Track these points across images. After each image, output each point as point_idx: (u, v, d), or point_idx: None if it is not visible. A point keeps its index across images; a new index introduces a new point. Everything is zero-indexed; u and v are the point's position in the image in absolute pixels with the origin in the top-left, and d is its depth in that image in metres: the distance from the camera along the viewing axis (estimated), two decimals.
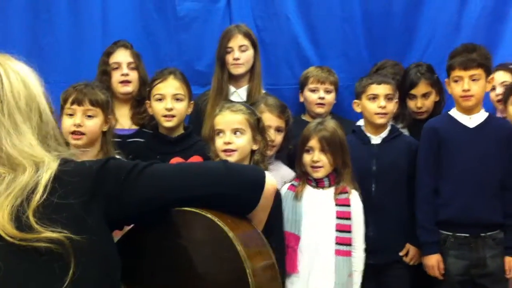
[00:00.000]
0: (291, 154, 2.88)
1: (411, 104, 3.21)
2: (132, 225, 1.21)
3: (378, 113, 2.87)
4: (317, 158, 2.63)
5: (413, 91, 3.18)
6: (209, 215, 1.10)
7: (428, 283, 2.87)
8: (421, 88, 3.18)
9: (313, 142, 2.65)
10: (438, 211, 2.80)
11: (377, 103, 2.87)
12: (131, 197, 1.12)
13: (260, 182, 1.17)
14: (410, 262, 2.88)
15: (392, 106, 2.89)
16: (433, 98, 3.20)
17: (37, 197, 1.06)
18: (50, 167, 1.11)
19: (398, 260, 2.88)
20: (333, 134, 2.64)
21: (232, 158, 2.41)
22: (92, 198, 1.10)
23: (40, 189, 1.07)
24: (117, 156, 2.45)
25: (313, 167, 2.65)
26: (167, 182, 1.14)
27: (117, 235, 1.19)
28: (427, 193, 2.81)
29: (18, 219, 1.04)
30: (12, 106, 1.14)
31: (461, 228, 2.75)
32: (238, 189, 1.15)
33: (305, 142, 2.67)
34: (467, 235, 2.75)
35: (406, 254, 2.89)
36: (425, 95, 3.18)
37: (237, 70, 3.09)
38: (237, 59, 3.06)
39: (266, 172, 1.17)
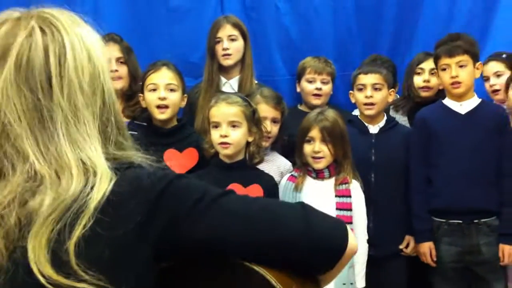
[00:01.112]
0: (285, 145, 2.86)
1: (418, 80, 3.21)
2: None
3: (365, 104, 2.85)
4: (318, 149, 2.60)
5: (422, 66, 3.20)
6: (273, 281, 0.95)
7: (423, 272, 2.87)
8: (430, 62, 3.15)
9: (314, 132, 2.61)
10: (430, 200, 2.79)
11: (364, 93, 2.86)
12: (192, 234, 0.92)
13: (340, 248, 0.99)
14: (410, 253, 2.88)
15: (380, 96, 2.85)
16: (438, 80, 3.17)
17: (82, 224, 0.85)
18: (102, 183, 0.89)
19: (396, 253, 2.87)
20: (334, 124, 2.61)
21: (228, 151, 2.40)
22: (145, 225, 0.90)
23: (88, 213, 0.86)
24: None
25: (314, 157, 2.62)
26: (236, 228, 0.94)
27: None
28: (418, 182, 2.81)
29: (55, 252, 0.84)
30: (74, 84, 0.93)
31: (454, 215, 2.75)
32: (314, 252, 0.97)
33: (306, 132, 2.63)
34: (460, 221, 2.74)
35: (406, 246, 2.88)
36: (433, 70, 3.15)
37: (227, 62, 3.05)
38: (226, 48, 3.03)
39: (350, 232, 1.02)
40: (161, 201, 0.91)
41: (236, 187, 2.33)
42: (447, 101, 2.86)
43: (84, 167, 0.90)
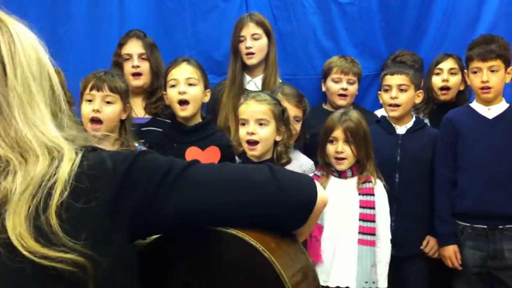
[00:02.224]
0: (307, 143, 2.84)
1: (436, 80, 3.17)
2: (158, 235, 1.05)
3: (390, 105, 2.82)
4: (341, 149, 2.56)
5: (440, 66, 3.16)
6: (252, 242, 0.95)
7: (445, 276, 2.84)
8: (449, 63, 3.15)
9: (338, 133, 2.58)
10: (454, 203, 2.76)
11: (389, 94, 2.83)
12: (164, 209, 0.92)
13: (311, 200, 1.00)
14: (429, 253, 2.84)
15: (405, 97, 2.81)
16: (459, 78, 3.14)
17: (57, 195, 0.85)
18: (69, 157, 0.89)
19: (418, 254, 2.84)
20: (358, 125, 2.57)
21: (256, 152, 2.38)
22: (116, 206, 0.89)
23: (59, 185, 0.85)
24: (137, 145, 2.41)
25: (336, 158, 2.59)
26: (207, 196, 0.94)
27: None
28: (443, 184, 2.78)
29: (36, 226, 0.83)
30: (26, 70, 0.93)
31: (479, 220, 2.71)
32: (286, 208, 0.98)
33: (329, 133, 2.60)
34: (485, 226, 2.70)
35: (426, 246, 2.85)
36: (452, 70, 3.13)
37: (250, 61, 3.03)
38: (250, 47, 3.00)
39: (317, 184, 1.03)
40: (127, 180, 0.91)
41: None
42: (475, 105, 2.82)
43: (46, 146, 0.90)
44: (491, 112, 2.77)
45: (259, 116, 2.37)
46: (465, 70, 2.85)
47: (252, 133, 2.36)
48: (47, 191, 0.85)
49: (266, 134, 2.36)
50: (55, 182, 0.85)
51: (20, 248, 0.81)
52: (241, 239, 0.95)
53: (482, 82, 2.71)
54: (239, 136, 2.42)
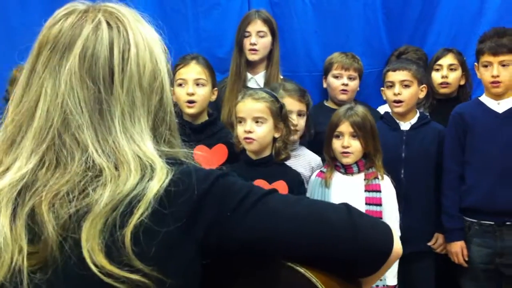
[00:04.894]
0: (312, 140, 2.73)
1: (436, 76, 3.04)
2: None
3: (394, 101, 2.70)
4: (347, 144, 2.45)
5: (439, 62, 3.04)
6: (319, 286, 0.90)
7: (452, 272, 2.72)
8: (448, 58, 3.04)
9: (344, 127, 2.46)
10: (462, 198, 2.63)
11: (392, 90, 2.71)
12: (236, 233, 0.88)
13: (386, 251, 0.93)
14: (438, 250, 2.71)
15: (408, 93, 2.69)
16: (458, 74, 3.02)
17: (138, 214, 0.81)
18: (160, 177, 0.85)
19: (426, 250, 2.71)
20: (364, 119, 2.46)
21: (253, 146, 2.29)
22: (190, 224, 0.86)
23: (143, 205, 0.82)
24: None
25: (343, 153, 2.47)
26: (281, 226, 0.89)
27: None
28: (452, 179, 2.65)
29: (110, 241, 0.81)
30: (135, 80, 0.90)
31: (486, 216, 2.58)
32: (359, 254, 0.91)
33: (335, 128, 2.49)
34: (492, 223, 2.57)
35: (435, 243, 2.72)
36: (451, 66, 3.02)
37: (252, 57, 2.94)
38: (254, 44, 2.92)
39: (394, 234, 0.96)
40: (205, 200, 0.87)
41: (261, 184, 2.19)
42: (484, 99, 2.68)
43: (140, 161, 0.87)
44: (500, 106, 2.63)
45: (256, 114, 2.28)
46: (476, 63, 2.71)
47: (249, 132, 2.27)
48: (129, 208, 0.82)
49: (263, 132, 2.28)
50: (139, 201, 0.83)
51: (88, 260, 0.79)
52: (307, 279, 0.90)
53: (493, 76, 2.58)
54: (237, 134, 2.34)
